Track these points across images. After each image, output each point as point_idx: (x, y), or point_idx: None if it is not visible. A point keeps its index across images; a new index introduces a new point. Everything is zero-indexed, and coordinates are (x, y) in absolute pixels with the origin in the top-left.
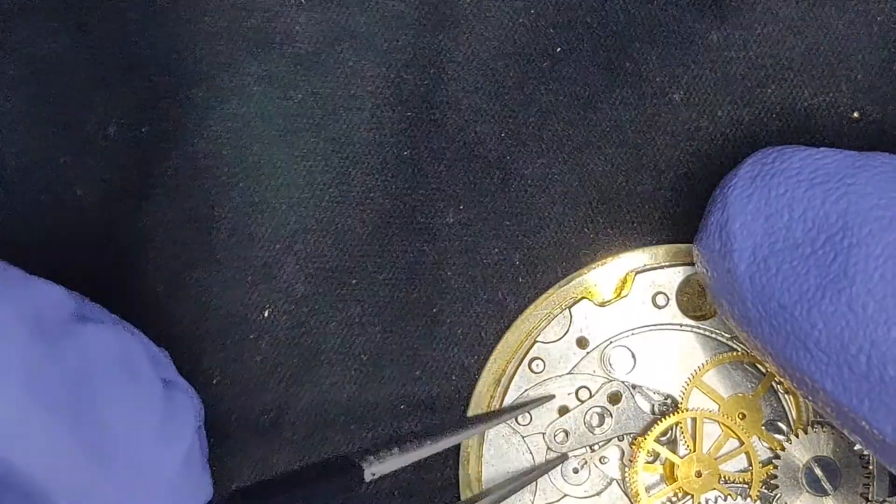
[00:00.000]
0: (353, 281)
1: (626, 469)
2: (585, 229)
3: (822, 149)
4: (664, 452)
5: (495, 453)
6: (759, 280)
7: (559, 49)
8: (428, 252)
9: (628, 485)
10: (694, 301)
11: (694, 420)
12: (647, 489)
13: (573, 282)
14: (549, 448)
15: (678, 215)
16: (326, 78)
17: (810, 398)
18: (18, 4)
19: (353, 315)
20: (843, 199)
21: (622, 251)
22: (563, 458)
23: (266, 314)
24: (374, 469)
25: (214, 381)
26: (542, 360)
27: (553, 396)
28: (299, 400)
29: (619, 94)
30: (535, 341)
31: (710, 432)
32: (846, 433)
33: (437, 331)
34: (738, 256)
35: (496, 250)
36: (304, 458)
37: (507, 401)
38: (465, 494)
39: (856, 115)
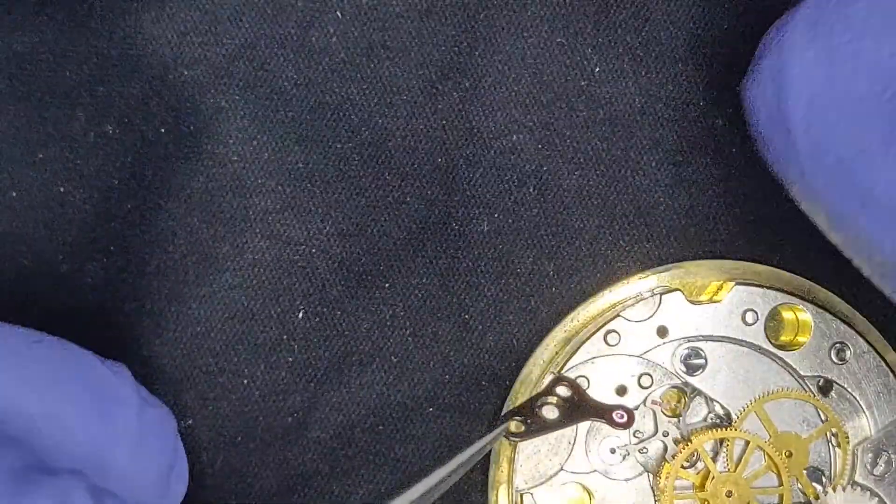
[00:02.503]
0: (387, 285)
1: (663, 465)
2: (621, 242)
3: None
4: (707, 461)
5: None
6: (816, 132)
7: (598, 69)
8: (462, 259)
9: (660, 480)
10: (781, 330)
11: (746, 443)
12: (675, 489)
13: (672, 270)
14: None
15: (717, 231)
16: (361, 85)
17: (866, 261)
18: None
19: (385, 318)
20: None
21: (728, 256)
22: (504, 427)
23: (300, 316)
24: None
25: (245, 382)
26: (619, 335)
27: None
28: (328, 401)
29: (661, 115)
30: (619, 315)
31: (753, 460)
32: None
33: (468, 337)
34: (794, 105)
35: (530, 260)
36: (329, 460)
37: (572, 363)
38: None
39: None
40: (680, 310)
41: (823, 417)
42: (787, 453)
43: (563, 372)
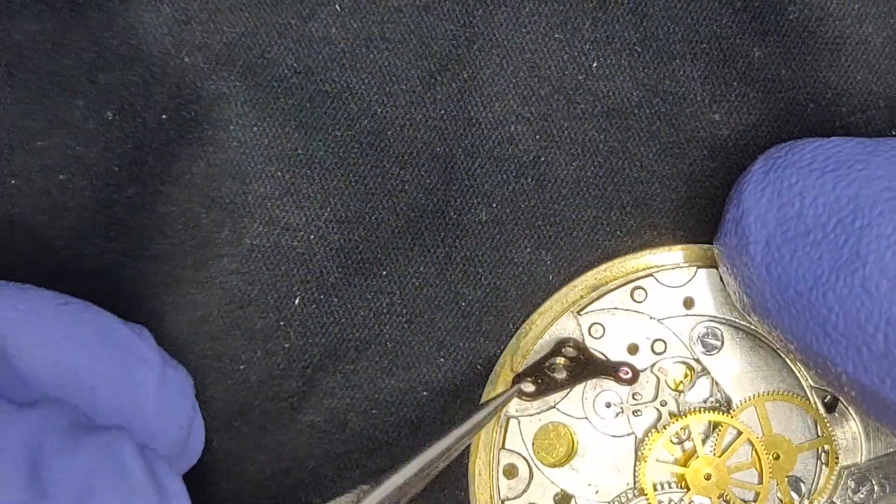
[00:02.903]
0: (384, 272)
1: (651, 432)
2: (618, 232)
3: (832, 138)
4: (696, 439)
5: None
6: (775, 270)
7: (595, 65)
8: (459, 248)
9: (644, 445)
10: None
11: (738, 433)
12: (657, 459)
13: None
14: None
15: (715, 222)
16: (361, 75)
17: (835, 385)
18: None
19: (381, 305)
20: (854, 184)
21: None
22: (517, 388)
23: (297, 302)
24: None
25: (241, 367)
26: (646, 293)
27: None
28: (322, 386)
29: (658, 110)
30: (652, 275)
31: (741, 451)
32: (874, 420)
33: (464, 323)
34: (753, 249)
35: (528, 249)
36: (323, 443)
37: (593, 307)
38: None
39: (895, 133)
40: (712, 287)
41: (820, 432)
42: (774, 455)
43: (582, 312)
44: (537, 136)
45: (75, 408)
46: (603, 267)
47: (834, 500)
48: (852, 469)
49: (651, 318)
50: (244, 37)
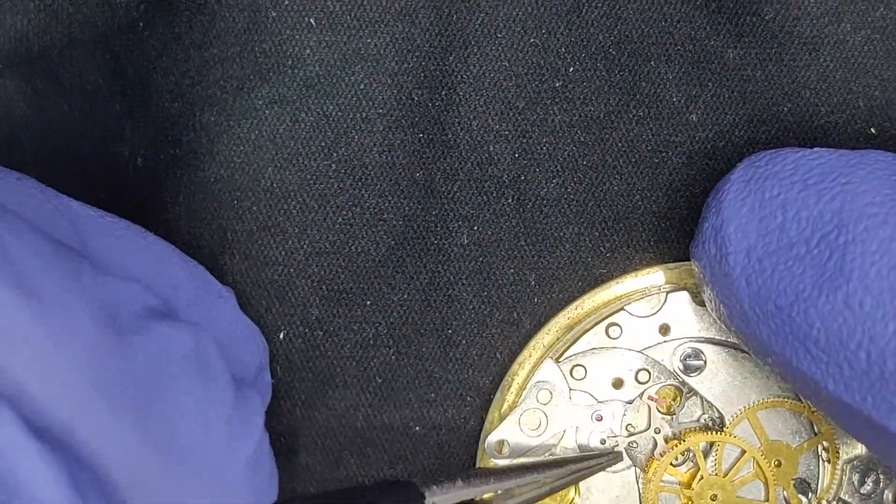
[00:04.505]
0: (368, 303)
1: (652, 461)
2: (601, 248)
3: (815, 149)
4: (700, 461)
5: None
6: (755, 282)
7: (571, 69)
8: (442, 273)
9: (647, 475)
10: None
11: (742, 451)
12: (661, 481)
13: (682, 268)
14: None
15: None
16: (337, 100)
17: (814, 401)
18: (67, 37)
19: (368, 337)
20: (838, 198)
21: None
22: (615, 457)
23: (281, 336)
24: (436, 498)
25: None
26: (621, 329)
27: (620, 458)
28: (313, 424)
29: (635, 114)
30: (623, 308)
31: (741, 466)
32: (854, 437)
33: (453, 352)
34: (733, 259)
35: (511, 271)
36: (321, 484)
37: (571, 351)
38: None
39: (873, 131)
40: (685, 309)
41: (816, 430)
42: (776, 462)
43: (561, 359)
44: (516, 155)
45: (159, 295)
46: (574, 305)
47: (842, 496)
48: (855, 462)
49: (630, 350)
50: (218, 68)
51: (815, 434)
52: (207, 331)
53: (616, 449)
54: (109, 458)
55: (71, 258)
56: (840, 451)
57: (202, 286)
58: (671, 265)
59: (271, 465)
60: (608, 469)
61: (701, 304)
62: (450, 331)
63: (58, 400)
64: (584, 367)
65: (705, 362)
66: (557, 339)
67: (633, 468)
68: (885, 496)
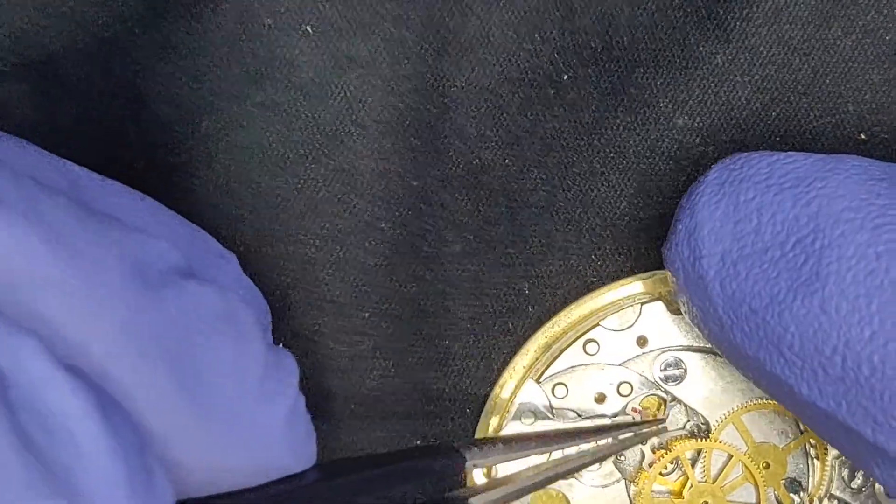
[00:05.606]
0: (366, 314)
1: (641, 472)
2: (592, 256)
3: (790, 153)
4: (688, 470)
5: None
6: (729, 285)
7: (565, 76)
8: (435, 282)
9: (637, 486)
10: None
11: (729, 456)
12: (652, 492)
13: (656, 277)
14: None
15: None
16: (330, 106)
17: (788, 405)
18: (68, 37)
19: (363, 350)
20: (814, 203)
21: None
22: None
23: None
24: (476, 461)
25: None
26: (598, 345)
27: (665, 429)
28: (319, 440)
29: (623, 120)
30: (599, 324)
31: (730, 471)
32: (828, 442)
33: (448, 363)
34: (707, 262)
35: (504, 279)
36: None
37: (552, 370)
38: None
39: (863, 136)
40: (661, 320)
41: (802, 428)
42: (764, 464)
43: (542, 378)
44: (507, 162)
45: (182, 256)
46: (550, 324)
47: (833, 492)
48: (843, 457)
49: (609, 364)
50: (211, 74)
51: (802, 432)
52: (233, 290)
53: (660, 417)
54: (144, 401)
55: (101, 217)
56: (828, 448)
57: (204, 247)
58: (644, 274)
59: (308, 427)
60: (598, 485)
61: (676, 312)
62: (446, 342)
63: (90, 342)
64: (565, 385)
65: (686, 370)
66: (536, 359)
67: (623, 481)
68: (876, 488)
